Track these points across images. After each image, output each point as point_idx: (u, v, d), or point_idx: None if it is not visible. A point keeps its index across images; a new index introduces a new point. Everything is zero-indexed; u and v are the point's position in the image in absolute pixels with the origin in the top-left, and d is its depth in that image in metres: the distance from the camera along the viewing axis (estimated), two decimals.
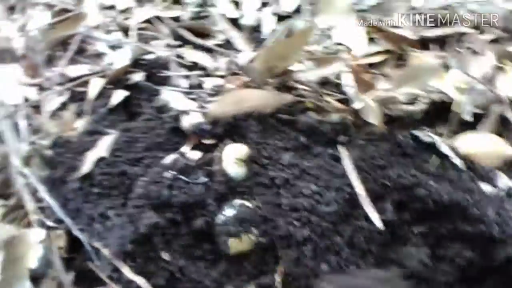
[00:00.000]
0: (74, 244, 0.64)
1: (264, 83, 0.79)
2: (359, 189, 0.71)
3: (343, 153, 0.77)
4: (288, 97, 0.79)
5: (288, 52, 0.83)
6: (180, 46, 1.06)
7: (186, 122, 0.79)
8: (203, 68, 1.00)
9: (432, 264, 0.76)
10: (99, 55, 0.99)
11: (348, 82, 0.89)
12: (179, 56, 1.03)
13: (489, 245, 0.75)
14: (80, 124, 0.78)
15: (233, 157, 0.71)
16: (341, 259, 0.69)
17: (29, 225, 0.67)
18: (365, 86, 0.88)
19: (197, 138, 0.77)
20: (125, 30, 1.09)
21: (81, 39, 1.05)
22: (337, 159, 0.77)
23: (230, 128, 0.77)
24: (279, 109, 0.80)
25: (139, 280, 0.59)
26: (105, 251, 0.60)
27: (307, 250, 0.68)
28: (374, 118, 0.79)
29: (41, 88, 0.89)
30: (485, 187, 0.81)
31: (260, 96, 0.77)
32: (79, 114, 0.81)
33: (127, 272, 0.59)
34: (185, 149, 0.76)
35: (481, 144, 0.81)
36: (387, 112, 0.87)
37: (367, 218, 0.74)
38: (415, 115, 0.84)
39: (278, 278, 0.68)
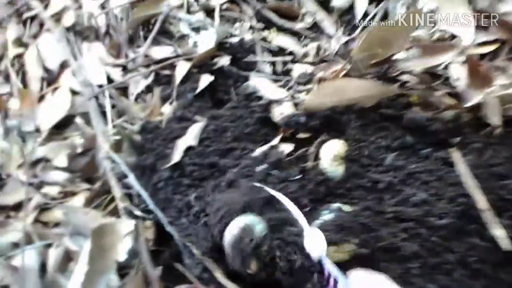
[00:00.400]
0: (162, 237, 0.60)
1: (365, 72, 0.70)
2: (481, 201, 0.61)
3: (457, 157, 0.67)
4: (393, 89, 0.70)
5: (392, 39, 0.74)
6: (265, 28, 0.99)
7: (277, 113, 0.72)
8: (290, 53, 0.93)
9: None
10: (182, 37, 0.95)
11: (460, 75, 0.78)
12: (264, 40, 0.96)
13: None
14: (167, 109, 0.74)
15: (331, 154, 0.64)
16: (451, 280, 0.60)
17: (114, 212, 0.64)
18: (480, 80, 0.76)
19: (289, 131, 0.71)
20: (208, 11, 1.04)
21: (163, 19, 1.02)
22: (449, 164, 0.68)
23: (327, 122, 0.70)
24: (381, 103, 0.71)
25: (230, 285, 0.54)
26: (195, 250, 0.56)
27: (413, 266, 0.60)
28: (495, 117, 0.68)
29: (125, 69, 0.86)
30: None
31: (361, 87, 0.69)
32: (165, 99, 0.77)
33: (218, 275, 0.54)
34: (276, 142, 0.70)
35: None
36: (506, 111, 0.76)
37: (482, 235, 0.65)
38: None
39: None
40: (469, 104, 0.72)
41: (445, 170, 0.67)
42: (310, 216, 0.62)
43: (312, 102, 0.69)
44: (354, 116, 0.69)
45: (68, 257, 0.64)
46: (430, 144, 0.70)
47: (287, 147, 0.69)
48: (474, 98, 0.72)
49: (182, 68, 0.80)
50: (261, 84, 0.79)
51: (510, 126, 0.74)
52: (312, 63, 0.87)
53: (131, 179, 0.63)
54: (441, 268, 0.61)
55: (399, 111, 0.70)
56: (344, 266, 0.60)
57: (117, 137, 0.68)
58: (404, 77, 0.75)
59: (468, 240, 0.64)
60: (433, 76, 0.83)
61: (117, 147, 0.69)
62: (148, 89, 0.81)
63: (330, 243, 0.60)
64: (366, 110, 0.70)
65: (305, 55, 0.89)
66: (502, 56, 0.88)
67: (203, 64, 0.84)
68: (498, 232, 0.60)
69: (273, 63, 0.92)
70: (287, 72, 0.89)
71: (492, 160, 0.67)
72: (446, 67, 0.81)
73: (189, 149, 0.65)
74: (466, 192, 0.65)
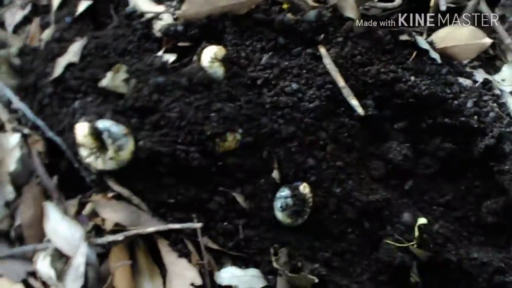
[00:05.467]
0: (55, 150, 0.62)
1: None
2: (342, 84, 0.70)
3: (323, 51, 0.75)
4: None
5: None
6: None
7: (158, 26, 0.75)
8: None
9: (414, 158, 0.78)
10: None
11: None
12: None
13: (469, 136, 0.77)
14: (46, 35, 0.73)
15: (209, 57, 0.69)
16: (326, 154, 0.70)
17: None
18: None
19: (171, 42, 0.74)
20: None
21: None
22: (317, 58, 0.76)
23: (205, 30, 0.74)
24: (254, 10, 0.77)
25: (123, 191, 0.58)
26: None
27: (292, 145, 0.68)
28: (352, 12, 0.77)
29: (1, 2, 0.83)
30: (464, 81, 0.82)
31: None
32: (44, 27, 0.76)
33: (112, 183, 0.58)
34: (161, 53, 0.73)
35: (458, 37, 0.80)
36: (365, 9, 0.86)
37: (351, 115, 0.75)
38: (392, 11, 0.83)
39: (275, 175, 0.68)
40: (330, 3, 0.80)
41: (314, 64, 0.75)
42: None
43: (188, 12, 0.73)
44: (229, 23, 0.74)
45: None
46: (300, 43, 0.77)
47: (171, 57, 0.72)
48: None
49: None
50: (141, 3, 0.80)
51: (368, 19, 0.84)
52: None
53: (14, 99, 0.63)
54: (316, 144, 0.70)
55: (270, 16, 0.77)
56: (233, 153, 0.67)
57: None
58: None
59: (338, 119, 0.73)
60: None
61: None
62: (27, 20, 0.79)
63: (216, 134, 0.66)
64: (240, 17, 0.75)
65: None
66: None
67: None
68: (353, 101, 0.70)
69: None
70: None
71: (353, 51, 0.77)
72: None
73: (70, 65, 0.66)
74: (332, 80, 0.74)
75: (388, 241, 0.68)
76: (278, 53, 0.75)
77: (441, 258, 0.66)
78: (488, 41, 0.78)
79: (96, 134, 0.58)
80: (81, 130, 0.58)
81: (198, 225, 0.61)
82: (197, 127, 0.64)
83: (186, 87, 0.68)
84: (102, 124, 0.59)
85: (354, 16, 0.77)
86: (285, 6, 0.80)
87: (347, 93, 0.70)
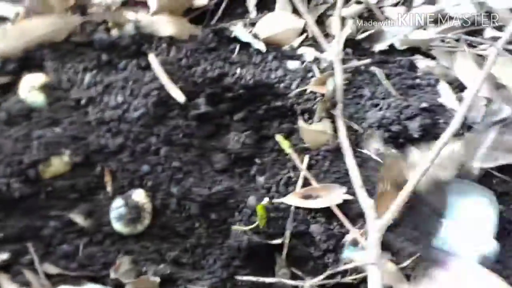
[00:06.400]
0: None
1: (48, 9, 0.76)
2: (169, 85, 0.73)
3: (151, 57, 0.78)
4: (77, 19, 0.77)
5: None
6: None
7: None
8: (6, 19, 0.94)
9: (257, 143, 0.82)
10: None
11: None
12: None
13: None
14: None
15: (27, 86, 0.70)
16: (160, 157, 0.72)
17: None
18: None
19: None
20: None
21: None
22: (143, 69, 0.78)
23: (24, 62, 0.75)
24: (74, 33, 0.78)
25: None
26: None
27: (123, 156, 0.70)
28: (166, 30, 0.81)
29: None
30: (293, 64, 0.88)
31: (47, 24, 0.75)
32: None
33: None
34: None
35: (279, 24, 0.86)
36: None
37: (185, 116, 0.78)
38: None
39: (109, 188, 0.69)
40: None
41: (140, 74, 0.77)
42: None
43: (3, 48, 0.73)
44: (48, 50, 0.75)
45: None
46: (125, 56, 0.80)
47: None
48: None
49: None
50: None
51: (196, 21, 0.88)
52: None
53: None
54: (149, 150, 0.72)
55: (89, 36, 0.79)
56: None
57: None
58: (93, 9, 0.84)
59: (169, 123, 0.76)
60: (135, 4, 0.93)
61: None
62: None
63: (38, 161, 0.66)
64: (58, 43, 0.76)
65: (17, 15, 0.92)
66: None
67: None
68: (174, 93, 0.73)
69: None
70: None
71: (178, 55, 0.80)
72: None
73: None
74: (160, 85, 0.76)
75: (235, 227, 0.71)
76: (102, 70, 0.77)
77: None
78: (300, 23, 0.84)
79: None
80: None
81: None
82: (16, 157, 0.65)
83: (5, 121, 0.69)
84: None
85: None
86: (111, 24, 0.82)
87: (173, 91, 0.73)
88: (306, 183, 0.73)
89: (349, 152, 0.71)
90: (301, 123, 0.76)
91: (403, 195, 0.64)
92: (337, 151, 0.74)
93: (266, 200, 0.71)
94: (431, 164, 0.65)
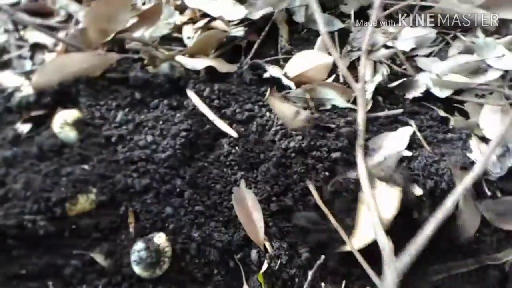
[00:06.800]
0: None
1: (89, 46, 0.78)
2: (212, 116, 0.74)
3: (190, 93, 0.79)
4: (114, 56, 0.79)
5: (114, 13, 0.83)
6: (19, 29, 1.02)
7: (16, 99, 0.77)
8: (45, 47, 0.98)
9: None
10: None
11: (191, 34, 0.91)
12: (20, 39, 1.00)
13: None
14: None
15: (59, 123, 0.71)
16: (184, 199, 0.72)
17: None
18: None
19: (28, 112, 0.76)
20: None
21: None
22: (174, 108, 0.79)
23: (59, 97, 0.77)
24: (109, 70, 0.80)
25: None
26: None
27: (148, 197, 0.70)
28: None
29: None
30: None
31: (84, 59, 0.76)
32: None
33: None
34: (18, 125, 0.75)
35: (307, 63, 0.86)
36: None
37: (210, 158, 0.78)
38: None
39: (132, 229, 0.69)
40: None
41: (170, 114, 0.78)
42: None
43: (39, 81, 0.76)
44: (83, 86, 0.77)
45: None
46: (159, 95, 0.81)
47: (25, 127, 0.74)
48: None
49: None
50: (4, 78, 0.83)
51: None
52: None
53: None
54: (173, 192, 0.72)
55: (124, 73, 0.80)
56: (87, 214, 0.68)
57: None
58: (132, 44, 0.85)
59: (196, 164, 0.76)
60: (172, 39, 0.95)
61: None
62: None
63: (65, 198, 0.67)
64: (94, 79, 0.78)
65: (57, 44, 0.95)
66: None
67: None
68: (225, 128, 0.73)
69: (32, 57, 0.96)
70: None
71: (210, 95, 0.81)
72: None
73: None
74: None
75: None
76: (135, 108, 0.78)
77: None
78: (330, 58, 0.84)
79: None
80: None
81: None
82: (44, 194, 0.66)
83: (36, 155, 0.70)
84: None
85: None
86: (147, 61, 0.84)
87: (219, 123, 0.75)
88: None
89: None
90: None
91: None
92: None
93: None
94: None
